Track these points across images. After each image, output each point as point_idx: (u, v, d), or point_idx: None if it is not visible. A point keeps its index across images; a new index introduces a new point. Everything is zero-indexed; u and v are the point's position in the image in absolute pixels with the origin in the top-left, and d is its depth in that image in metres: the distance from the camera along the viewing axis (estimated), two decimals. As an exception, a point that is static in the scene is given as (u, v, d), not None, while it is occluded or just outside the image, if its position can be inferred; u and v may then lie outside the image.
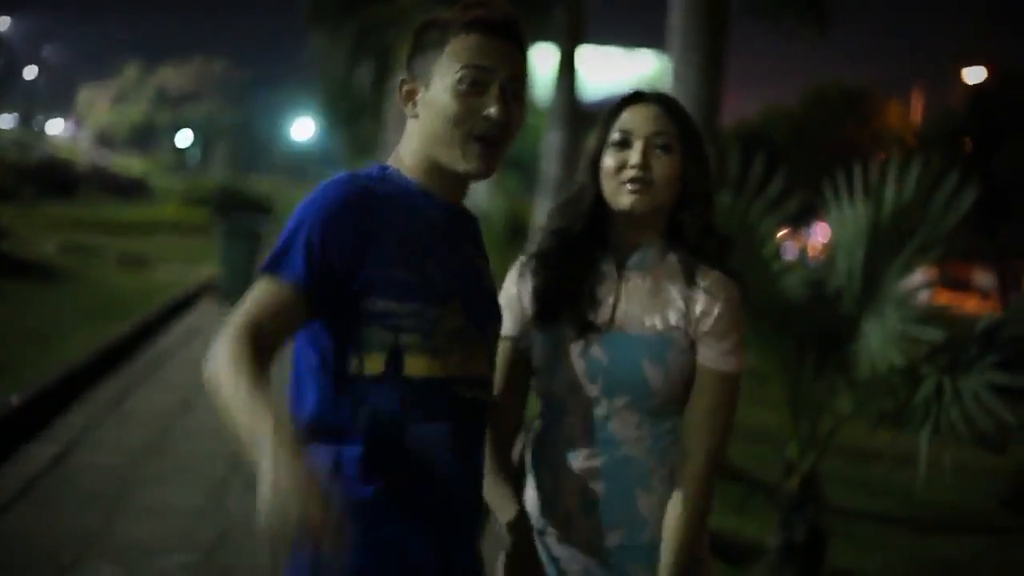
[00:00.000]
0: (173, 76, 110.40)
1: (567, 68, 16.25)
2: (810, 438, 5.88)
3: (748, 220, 5.87)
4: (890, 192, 5.69)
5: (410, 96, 2.52)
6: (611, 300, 2.76)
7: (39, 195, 33.92)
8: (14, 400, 8.08)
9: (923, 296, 5.97)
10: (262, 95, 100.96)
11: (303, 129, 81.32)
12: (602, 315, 2.75)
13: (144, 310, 14.19)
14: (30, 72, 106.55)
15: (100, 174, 50.47)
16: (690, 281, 2.73)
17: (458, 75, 2.43)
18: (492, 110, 2.42)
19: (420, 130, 2.49)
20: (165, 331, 13.92)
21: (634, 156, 2.73)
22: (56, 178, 39.43)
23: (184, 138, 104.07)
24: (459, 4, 2.51)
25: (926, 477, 5.34)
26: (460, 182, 2.54)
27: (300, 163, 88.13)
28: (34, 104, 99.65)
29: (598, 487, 2.70)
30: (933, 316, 5.80)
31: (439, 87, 2.45)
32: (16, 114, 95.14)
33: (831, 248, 6.11)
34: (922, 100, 50.92)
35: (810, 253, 7.13)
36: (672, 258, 2.78)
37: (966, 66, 43.39)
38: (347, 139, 48.63)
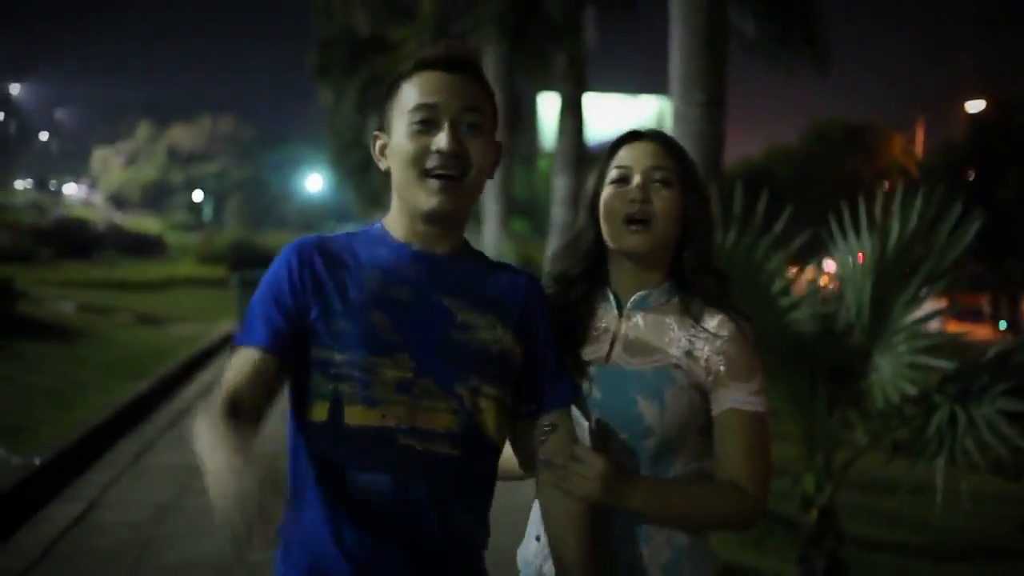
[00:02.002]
0: (183, 135, 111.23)
1: (572, 114, 16.38)
2: (826, 471, 5.89)
3: (755, 257, 5.91)
4: (895, 225, 5.73)
5: (382, 151, 2.55)
6: (610, 338, 2.71)
7: (56, 256, 34.14)
8: (36, 460, 8.14)
9: (933, 326, 5.98)
10: (271, 151, 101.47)
11: (313, 183, 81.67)
12: (599, 352, 2.69)
13: (162, 367, 14.26)
14: (44, 136, 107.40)
15: (116, 233, 50.69)
16: (695, 322, 2.67)
17: (409, 116, 2.43)
18: (442, 144, 2.40)
19: (393, 180, 2.51)
20: (183, 387, 14.00)
21: (634, 190, 2.69)
22: (72, 239, 39.66)
23: (197, 195, 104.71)
24: None
25: (943, 505, 5.35)
26: (435, 227, 2.49)
27: (311, 217, 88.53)
28: (48, 167, 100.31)
29: (602, 533, 2.59)
30: (944, 345, 5.81)
31: (398, 133, 2.46)
32: (31, 179, 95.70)
33: (838, 282, 6.14)
34: (923, 133, 51.02)
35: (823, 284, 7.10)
36: (676, 299, 2.73)
37: (969, 98, 43.44)
38: (357, 192, 48.80)
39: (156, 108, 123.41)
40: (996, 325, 37.25)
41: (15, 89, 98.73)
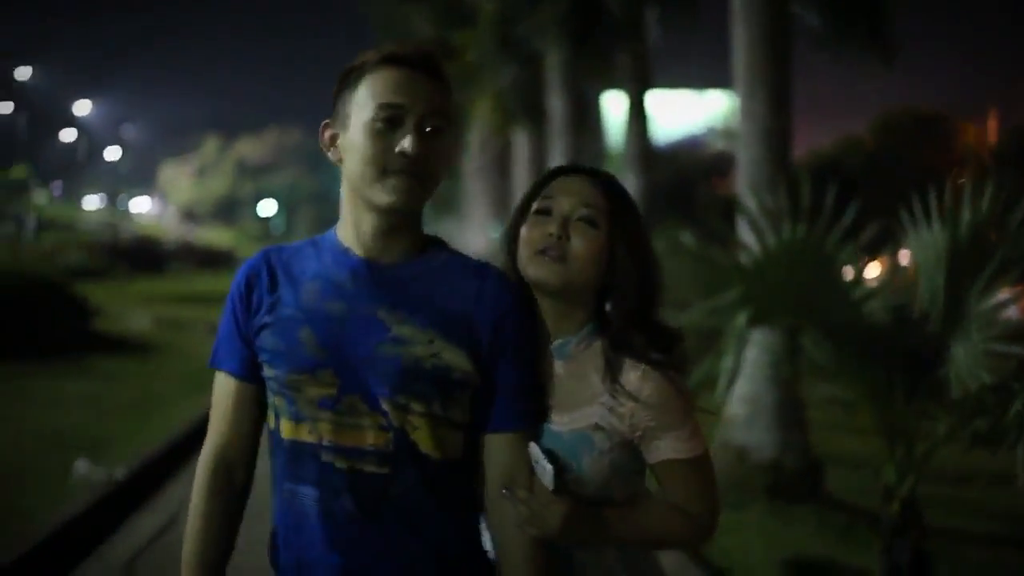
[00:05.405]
0: (251, 148, 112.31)
1: (636, 113, 16.32)
2: (906, 462, 5.84)
3: (824, 250, 5.88)
4: (966, 213, 5.67)
5: (332, 140, 2.47)
6: None
7: (130, 272, 34.62)
8: (118, 474, 8.26)
9: (1010, 313, 5.91)
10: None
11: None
12: None
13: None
14: (112, 153, 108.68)
15: (187, 248, 51.35)
16: (615, 377, 2.50)
17: (372, 113, 2.36)
18: (406, 145, 2.33)
19: (345, 174, 2.45)
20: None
21: (553, 224, 2.55)
22: (145, 255, 40.24)
23: (267, 207, 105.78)
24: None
25: (1028, 495, 5.29)
26: (385, 228, 2.42)
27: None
28: (118, 183, 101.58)
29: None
30: (1021, 332, 5.74)
31: (355, 127, 2.39)
32: (102, 195, 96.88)
33: (912, 272, 6.09)
34: (996, 119, 50.31)
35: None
36: (597, 346, 2.56)
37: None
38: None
39: (223, 121, 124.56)
40: None
41: (85, 108, 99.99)
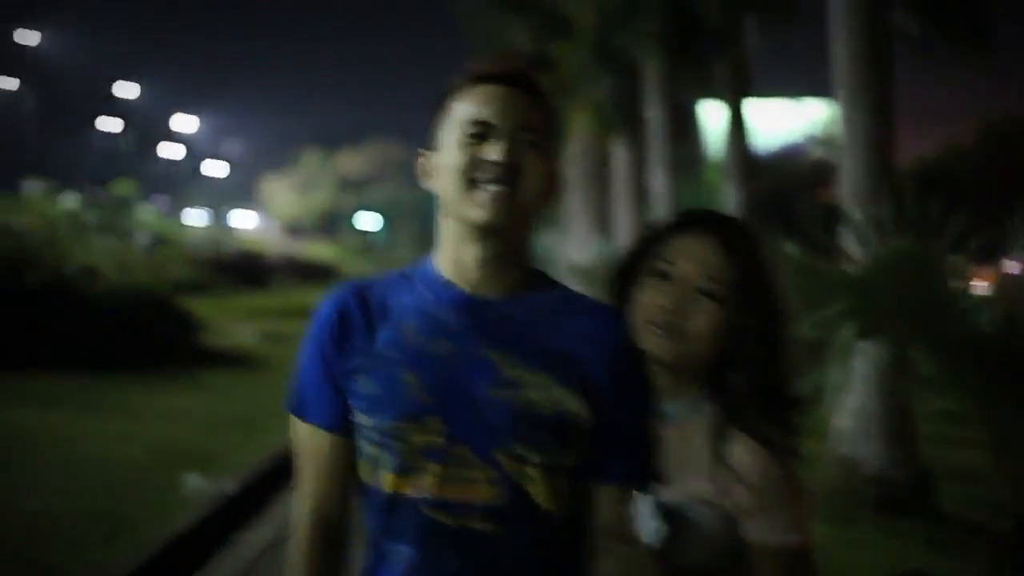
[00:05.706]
0: (351, 162, 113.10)
1: (735, 122, 16.23)
2: (1018, 476, 5.74)
3: (931, 259, 5.81)
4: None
5: (427, 167, 2.36)
6: None
7: (233, 286, 35.10)
8: (231, 487, 8.39)
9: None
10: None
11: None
12: None
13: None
14: (215, 167, 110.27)
15: (290, 262, 51.89)
16: (721, 450, 2.37)
17: (461, 129, 2.23)
18: (494, 154, 2.18)
19: (440, 199, 2.30)
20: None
21: (667, 298, 2.39)
22: (248, 269, 40.75)
23: (369, 220, 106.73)
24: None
25: None
26: (488, 261, 2.26)
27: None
28: (220, 196, 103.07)
29: None
30: None
31: (446, 147, 2.27)
32: (206, 209, 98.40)
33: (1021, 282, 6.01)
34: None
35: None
36: (707, 413, 2.43)
37: None
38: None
39: (323, 134, 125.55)
40: None
41: (192, 123, 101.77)
